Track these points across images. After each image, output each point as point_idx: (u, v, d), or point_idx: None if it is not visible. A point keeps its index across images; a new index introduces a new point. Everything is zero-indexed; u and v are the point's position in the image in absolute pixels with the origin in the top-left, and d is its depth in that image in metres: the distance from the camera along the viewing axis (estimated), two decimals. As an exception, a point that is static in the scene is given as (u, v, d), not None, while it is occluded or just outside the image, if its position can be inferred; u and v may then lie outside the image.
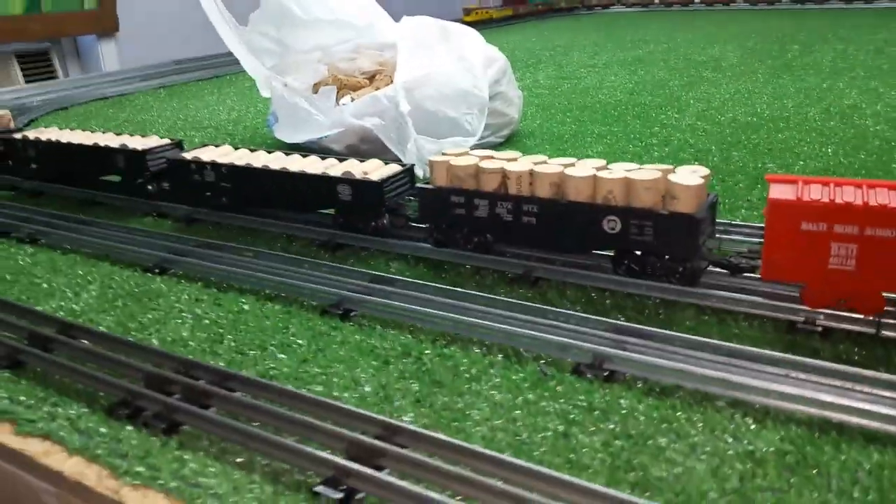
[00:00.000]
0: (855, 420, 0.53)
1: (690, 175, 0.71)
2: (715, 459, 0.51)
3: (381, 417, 0.55)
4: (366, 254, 0.92)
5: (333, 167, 0.96)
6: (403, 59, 1.29)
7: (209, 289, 0.85)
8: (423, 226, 0.93)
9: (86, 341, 0.71)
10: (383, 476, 0.49)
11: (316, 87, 1.39)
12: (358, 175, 0.92)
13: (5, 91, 2.66)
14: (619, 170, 0.75)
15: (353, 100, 1.39)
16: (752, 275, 0.73)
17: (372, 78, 1.51)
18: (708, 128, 1.51)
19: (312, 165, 0.98)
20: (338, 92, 1.41)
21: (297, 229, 1.00)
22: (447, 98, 1.30)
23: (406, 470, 0.50)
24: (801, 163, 1.21)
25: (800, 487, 0.49)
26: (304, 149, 1.29)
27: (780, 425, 0.55)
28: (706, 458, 0.52)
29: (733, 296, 0.70)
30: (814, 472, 0.50)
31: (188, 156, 1.08)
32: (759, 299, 0.69)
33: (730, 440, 0.53)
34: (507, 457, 0.50)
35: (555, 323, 0.69)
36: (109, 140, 1.20)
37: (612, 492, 0.46)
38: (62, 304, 0.83)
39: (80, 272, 0.92)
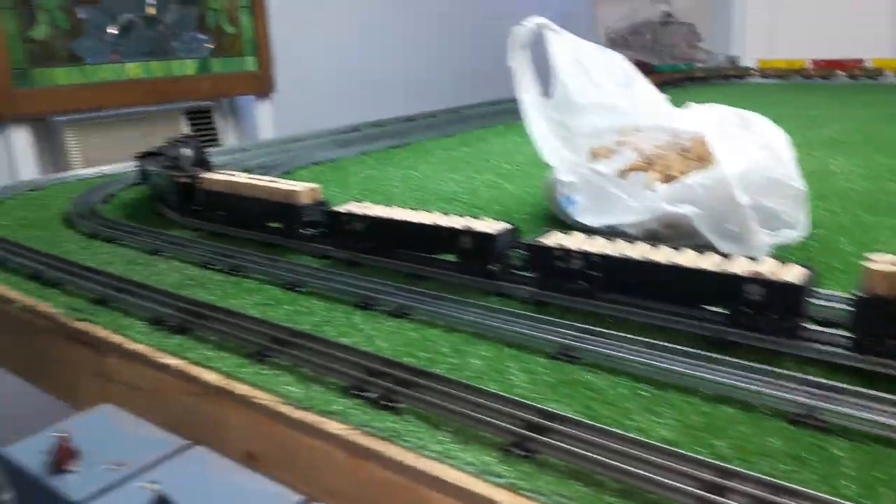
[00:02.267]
0: None
1: None
2: None
3: None
4: (767, 355, 0.92)
5: (728, 265, 0.98)
6: (721, 148, 1.32)
7: (638, 383, 0.87)
8: (827, 330, 0.94)
9: (576, 431, 0.74)
10: None
11: (623, 173, 1.44)
12: (768, 276, 0.93)
13: (222, 151, 2.84)
14: None
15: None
16: None
17: (649, 162, 1.55)
18: None
19: (702, 261, 1.00)
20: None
21: (665, 321, 1.02)
22: (762, 188, 1.31)
23: None
24: None
25: None
26: (592, 231, 1.33)
27: None
28: None
29: None
30: None
31: (549, 241, 1.12)
32: None
33: None
34: None
35: None
36: (444, 220, 1.27)
37: None
38: (501, 387, 0.87)
39: (487, 353, 0.97)
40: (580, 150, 1.52)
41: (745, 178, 1.27)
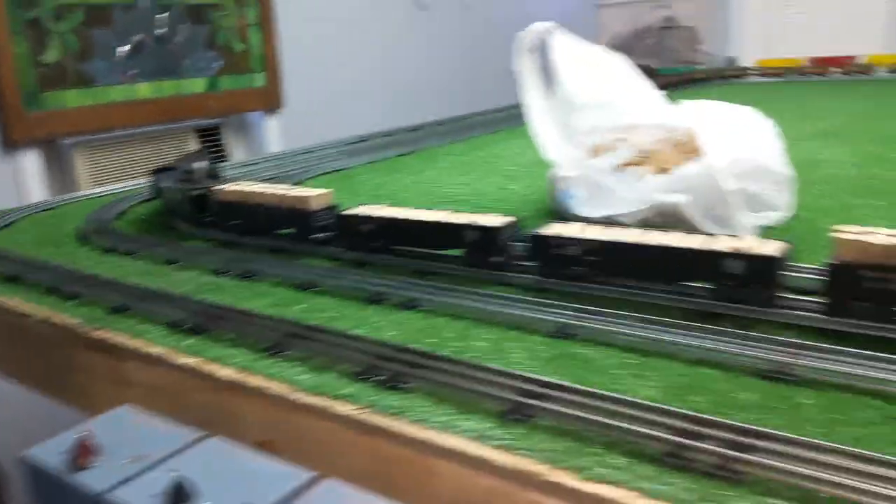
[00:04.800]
0: None
1: None
2: None
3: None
4: (747, 323, 0.99)
5: (712, 243, 1.05)
6: (707, 140, 1.39)
7: (627, 353, 0.94)
8: (801, 298, 1.01)
9: (567, 395, 0.80)
10: None
11: (620, 167, 1.51)
12: (746, 250, 1.00)
13: (232, 166, 2.91)
14: None
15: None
16: None
17: (647, 157, 1.62)
18: None
19: (687, 241, 1.07)
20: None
21: (657, 298, 1.09)
22: (748, 174, 1.38)
23: None
24: None
25: None
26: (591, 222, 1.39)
27: None
28: None
29: None
30: None
31: (547, 231, 1.19)
32: None
33: None
34: None
35: None
36: (450, 217, 1.34)
37: None
38: (501, 364, 0.93)
39: (490, 336, 1.03)
40: (581, 148, 1.59)
41: (731, 166, 1.34)
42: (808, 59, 5.43)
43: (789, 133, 2.69)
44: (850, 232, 0.93)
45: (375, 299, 1.23)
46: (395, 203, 2.01)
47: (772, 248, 1.00)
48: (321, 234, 1.54)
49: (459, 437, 0.79)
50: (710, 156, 1.34)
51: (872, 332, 0.91)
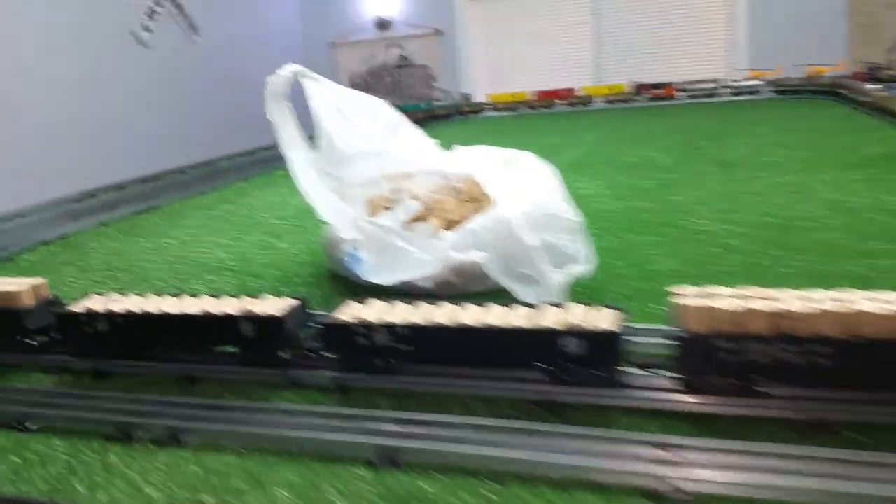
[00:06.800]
0: None
1: None
2: None
3: None
4: (599, 413, 0.86)
5: (539, 318, 0.91)
6: (495, 188, 1.27)
7: (479, 480, 0.75)
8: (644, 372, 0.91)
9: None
10: None
11: (408, 224, 1.33)
12: (585, 326, 0.87)
13: None
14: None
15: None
16: None
17: (429, 209, 1.47)
18: (745, 232, 1.59)
19: (513, 318, 0.92)
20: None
21: (485, 388, 0.92)
22: (542, 225, 1.28)
23: None
24: (882, 261, 1.31)
25: None
26: (383, 290, 1.22)
27: None
28: None
29: None
30: None
31: (345, 317, 0.97)
32: None
33: None
34: None
35: None
36: (215, 305, 1.06)
37: None
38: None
39: (295, 478, 0.78)
40: (354, 202, 1.39)
41: (527, 217, 1.23)
42: (534, 93, 5.86)
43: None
44: (691, 296, 0.84)
45: (124, 434, 0.90)
46: (137, 278, 1.65)
47: (608, 318, 0.88)
48: (39, 340, 1.16)
49: None
50: (503, 206, 1.22)
51: (739, 412, 0.82)
